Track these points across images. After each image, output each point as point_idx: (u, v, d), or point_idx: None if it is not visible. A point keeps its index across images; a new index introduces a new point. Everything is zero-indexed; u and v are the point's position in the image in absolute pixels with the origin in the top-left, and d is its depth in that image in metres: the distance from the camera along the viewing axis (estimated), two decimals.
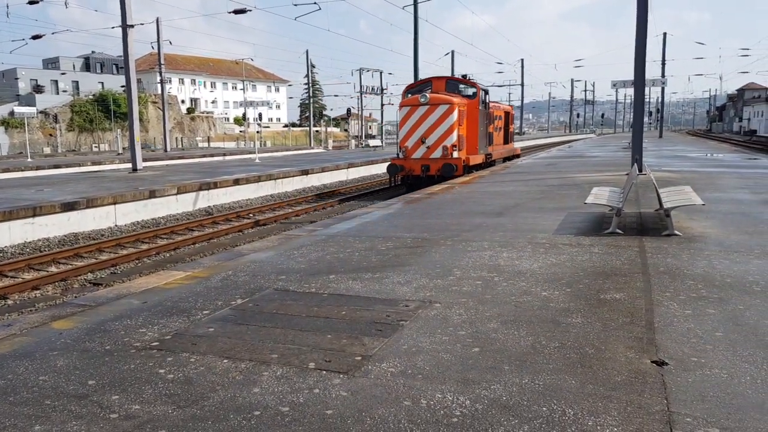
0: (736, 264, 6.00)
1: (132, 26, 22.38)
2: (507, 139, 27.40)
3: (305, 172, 23.61)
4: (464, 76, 23.88)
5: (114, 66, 78.54)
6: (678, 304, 4.73)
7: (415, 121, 19.18)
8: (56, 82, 66.83)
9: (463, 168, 18.93)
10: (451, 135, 18.94)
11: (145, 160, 26.28)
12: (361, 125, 70.50)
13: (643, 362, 3.59)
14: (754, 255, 6.37)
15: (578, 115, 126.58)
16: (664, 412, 2.97)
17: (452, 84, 21.48)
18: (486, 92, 22.48)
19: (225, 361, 3.80)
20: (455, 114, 18.94)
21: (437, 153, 18.93)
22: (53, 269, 10.49)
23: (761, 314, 4.42)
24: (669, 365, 3.53)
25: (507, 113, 27.51)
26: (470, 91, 21.26)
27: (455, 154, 18.91)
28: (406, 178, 19.44)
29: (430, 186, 16.25)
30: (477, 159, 20.59)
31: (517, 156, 29.57)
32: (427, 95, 19.24)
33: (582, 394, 3.19)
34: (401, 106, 19.92)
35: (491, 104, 23.32)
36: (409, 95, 20.69)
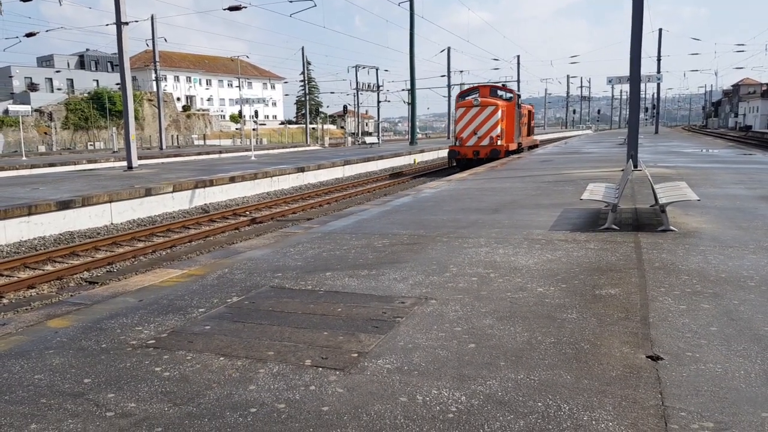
0: (730, 259, 6.02)
1: (126, 23, 22.31)
2: (530, 132, 34.10)
3: (301, 170, 23.59)
4: (503, 86, 30.68)
5: (109, 64, 78.25)
6: (673, 299, 4.74)
7: (469, 118, 25.70)
8: (51, 80, 66.58)
9: (504, 153, 25.28)
10: (496, 128, 25.36)
11: (140, 158, 26.26)
12: (358, 122, 70.43)
13: (638, 357, 3.60)
14: (748, 250, 6.40)
15: (574, 112, 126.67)
16: (659, 406, 2.98)
17: (494, 90, 28.10)
18: (519, 96, 29.22)
19: (221, 358, 3.80)
20: (499, 113, 25.41)
21: (486, 142, 25.31)
22: (49, 268, 10.46)
23: (755, 309, 4.43)
24: (664, 360, 3.55)
25: (529, 111, 34.03)
26: (507, 95, 27.80)
27: (499, 143, 25.24)
28: (460, 161, 25.40)
29: (478, 166, 21.35)
30: (513, 146, 27.03)
31: (536, 146, 35.76)
32: (479, 99, 25.94)
33: (577, 389, 3.20)
34: (457, 107, 26.80)
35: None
36: (460, 99, 27.49)
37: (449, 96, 64.55)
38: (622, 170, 13.64)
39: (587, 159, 22.41)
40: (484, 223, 8.58)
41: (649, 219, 8.56)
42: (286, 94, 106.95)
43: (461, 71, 70.40)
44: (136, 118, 52.55)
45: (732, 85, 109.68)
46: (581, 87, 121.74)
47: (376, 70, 59.24)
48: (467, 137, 25.69)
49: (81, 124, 59.90)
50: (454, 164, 25.85)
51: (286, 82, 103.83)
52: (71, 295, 8.46)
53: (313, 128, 75.55)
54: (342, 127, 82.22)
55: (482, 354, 3.73)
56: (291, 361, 3.70)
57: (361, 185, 23.14)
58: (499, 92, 28.10)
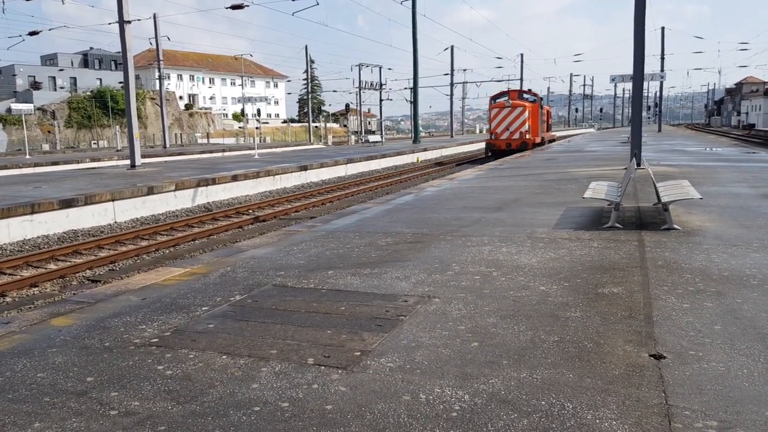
0: (734, 257, 6.01)
1: (129, 22, 22.31)
2: (548, 128, 40.48)
3: (304, 168, 23.59)
4: (529, 90, 36.52)
5: (112, 62, 78.38)
6: (676, 297, 4.73)
7: (502, 116, 31.66)
8: (54, 78, 66.67)
9: (531, 144, 31.51)
10: (525, 125, 31.33)
11: (143, 156, 26.26)
12: (360, 121, 70.42)
13: (641, 356, 3.60)
14: (752, 248, 6.38)
15: (577, 110, 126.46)
16: (662, 405, 2.98)
17: (521, 94, 34.76)
18: (541, 99, 35.38)
19: (224, 357, 3.80)
20: (527, 113, 31.47)
21: (516, 136, 31.31)
22: (52, 266, 10.48)
23: (759, 307, 4.42)
24: (667, 359, 3.54)
25: (548, 111, 40.35)
26: (532, 98, 34.01)
27: (527, 137, 31.38)
28: (495, 152, 31.08)
29: (509, 155, 27.09)
30: (537, 140, 33.25)
31: (554, 140, 42.24)
32: (510, 101, 32.06)
33: (580, 387, 3.20)
34: (491, 108, 32.98)
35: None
36: (494, 101, 33.64)
37: (452, 94, 64.46)
38: (625, 169, 13.61)
39: (590, 157, 22.38)
40: (487, 222, 8.57)
41: (653, 217, 8.54)
42: (289, 93, 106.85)
43: (464, 70, 70.31)
44: (139, 117, 52.63)
45: (735, 84, 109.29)
46: (584, 85, 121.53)
47: (379, 68, 59.15)
48: (501, 132, 31.70)
49: (84, 123, 59.97)
50: (489, 154, 31.40)
51: (289, 81, 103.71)
52: (74, 294, 8.47)
53: (316, 127, 75.49)
54: (345, 126, 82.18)
55: (485, 352, 3.73)
56: (294, 360, 3.70)
57: (364, 183, 23.13)
58: (525, 95, 34.48)
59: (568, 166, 18.23)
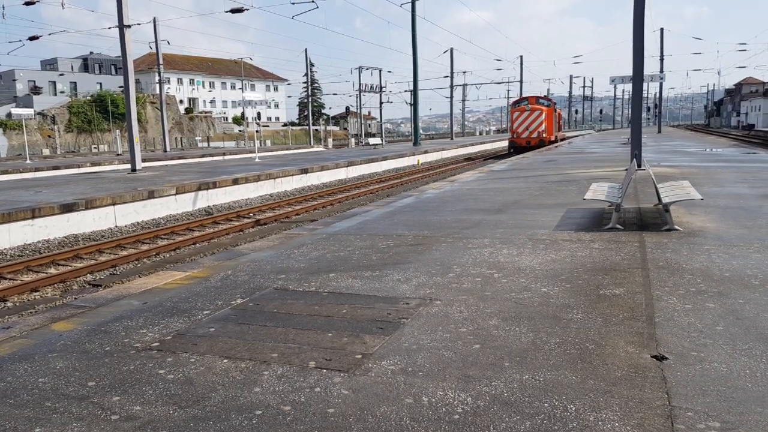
0: (735, 258, 6.00)
1: (129, 26, 22.33)
2: (560, 129, 47.65)
3: (304, 171, 23.59)
4: (545, 96, 43.95)
5: (112, 66, 78.46)
6: (678, 298, 4.73)
7: (523, 118, 38.43)
8: (54, 83, 66.73)
9: (548, 142, 37.68)
10: (542, 125, 37.78)
11: (144, 160, 26.28)
12: (360, 123, 70.48)
13: (643, 357, 3.59)
14: (753, 249, 6.38)
15: (576, 111, 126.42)
16: (665, 406, 2.97)
17: (538, 99, 40.78)
18: (555, 103, 42.89)
19: (225, 360, 3.79)
20: (544, 115, 38.02)
21: (535, 135, 37.84)
22: (52, 271, 10.48)
23: (761, 308, 4.42)
24: (669, 360, 3.54)
25: (559, 114, 47.54)
26: (547, 103, 40.49)
27: (544, 135, 37.78)
28: (516, 148, 37.07)
29: (529, 151, 32.10)
30: (552, 138, 39.27)
31: (564, 138, 49.25)
32: (529, 105, 38.89)
33: (583, 389, 3.19)
34: (513, 111, 40.57)
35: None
36: (515, 106, 41.14)
37: (451, 97, 64.61)
38: (626, 170, 13.60)
39: (591, 159, 22.38)
40: (488, 224, 8.57)
41: (653, 218, 8.54)
42: (289, 96, 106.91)
43: (464, 72, 70.48)
44: (139, 121, 52.67)
45: (734, 84, 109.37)
46: (584, 87, 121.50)
47: (380, 71, 59.19)
48: (521, 132, 38.41)
49: (84, 127, 59.97)
50: (512, 151, 37.33)
51: (289, 84, 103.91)
52: (75, 298, 8.48)
53: (316, 130, 75.54)
54: (345, 129, 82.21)
55: (487, 355, 3.72)
56: (295, 363, 3.70)
57: (364, 186, 23.13)
58: (541, 100, 40.60)
59: (569, 168, 18.23)
